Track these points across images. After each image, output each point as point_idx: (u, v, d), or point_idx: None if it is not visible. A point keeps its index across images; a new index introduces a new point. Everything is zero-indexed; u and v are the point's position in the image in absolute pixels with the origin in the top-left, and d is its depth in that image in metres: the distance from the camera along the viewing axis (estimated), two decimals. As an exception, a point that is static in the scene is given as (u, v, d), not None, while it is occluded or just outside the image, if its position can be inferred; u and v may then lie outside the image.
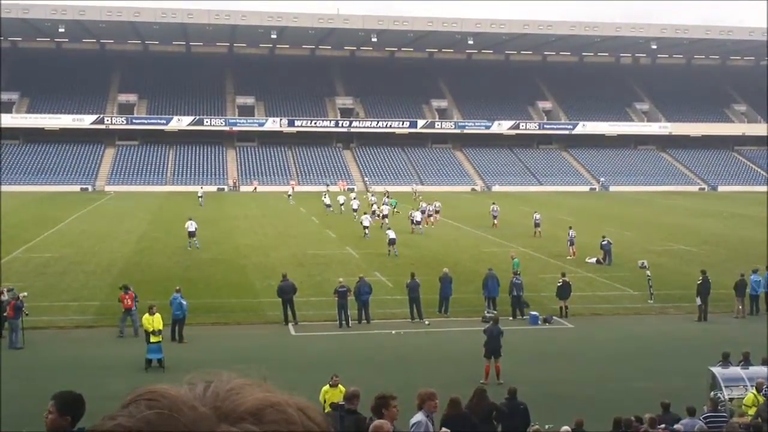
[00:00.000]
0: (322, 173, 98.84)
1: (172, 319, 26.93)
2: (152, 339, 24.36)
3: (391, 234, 45.47)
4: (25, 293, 28.26)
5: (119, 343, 26.98)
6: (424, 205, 62.17)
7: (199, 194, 76.20)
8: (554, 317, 31.44)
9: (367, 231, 51.58)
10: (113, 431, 1.13)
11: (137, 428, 1.10)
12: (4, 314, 27.15)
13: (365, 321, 30.35)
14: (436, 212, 62.09)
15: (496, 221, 58.01)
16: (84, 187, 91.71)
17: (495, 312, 29.71)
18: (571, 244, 45.08)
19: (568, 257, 44.34)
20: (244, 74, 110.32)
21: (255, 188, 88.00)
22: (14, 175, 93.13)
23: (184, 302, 27.71)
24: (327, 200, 68.63)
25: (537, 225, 53.18)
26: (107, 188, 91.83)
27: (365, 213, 55.78)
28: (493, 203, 61.13)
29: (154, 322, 24.56)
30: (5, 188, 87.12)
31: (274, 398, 1.15)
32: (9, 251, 44.42)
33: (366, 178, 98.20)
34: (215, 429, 1.10)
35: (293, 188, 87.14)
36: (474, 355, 23.99)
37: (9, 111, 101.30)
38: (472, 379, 21.87)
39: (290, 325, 29.82)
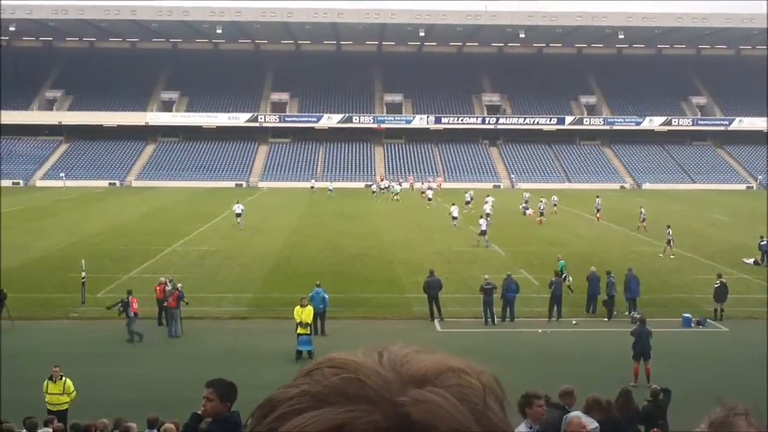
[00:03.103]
0: (469, 170, 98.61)
1: (314, 312, 27.30)
2: (300, 330, 24.90)
3: (483, 225, 46.56)
4: (180, 284, 29.38)
5: (271, 335, 27.63)
6: (526, 195, 63.97)
7: (330, 188, 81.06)
8: (708, 320, 30.23)
9: (456, 222, 53.27)
10: (298, 397, 1.11)
11: (325, 393, 1.10)
12: (165, 304, 28.34)
13: (509, 319, 30.06)
14: (554, 206, 62.79)
15: (598, 215, 58.47)
16: (238, 182, 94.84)
17: (642, 312, 28.83)
18: (669, 243, 43.44)
19: (660, 255, 43.03)
20: (392, 72, 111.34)
21: (411, 184, 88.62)
22: (174, 171, 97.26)
23: (327, 296, 28.18)
24: (430, 194, 72.83)
25: (643, 220, 52.55)
26: (260, 184, 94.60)
27: (454, 204, 56.54)
28: (597, 197, 62.11)
29: (303, 314, 25.09)
30: (166, 184, 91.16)
31: (452, 362, 1.15)
32: (169, 243, 46.48)
33: (512, 175, 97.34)
34: (404, 392, 1.09)
35: (440, 185, 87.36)
36: (623, 356, 23.36)
37: (170, 110, 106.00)
38: (620, 381, 21.29)
39: (436, 321, 29.87)
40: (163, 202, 71.71)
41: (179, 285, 29.16)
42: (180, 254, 43.81)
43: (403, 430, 1.07)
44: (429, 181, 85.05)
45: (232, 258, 42.45)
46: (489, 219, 52.45)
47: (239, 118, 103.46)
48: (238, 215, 55.12)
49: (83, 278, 31.40)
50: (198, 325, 29.21)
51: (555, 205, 63.66)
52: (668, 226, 44.24)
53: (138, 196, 78.16)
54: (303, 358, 24.63)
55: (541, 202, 60.38)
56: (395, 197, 75.23)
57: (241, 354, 25.30)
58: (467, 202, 64.59)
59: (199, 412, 7.19)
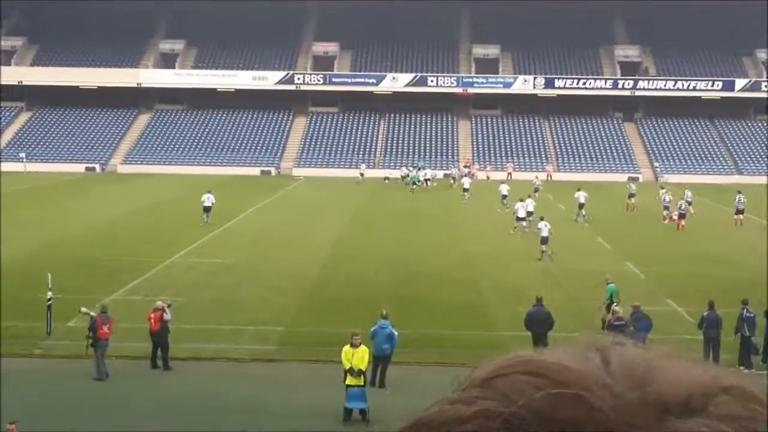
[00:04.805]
0: (593, 155, 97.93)
1: (375, 355, 27.19)
2: (350, 381, 24.88)
3: (544, 230, 47.97)
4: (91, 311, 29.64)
5: (308, 384, 27.71)
6: (668, 197, 63.43)
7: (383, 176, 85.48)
8: None
9: (525, 224, 54.78)
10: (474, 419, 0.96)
11: (525, 417, 0.93)
12: (97, 334, 28.47)
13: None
14: (688, 204, 62.61)
15: (741, 217, 60.02)
16: (265, 169, 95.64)
17: None
18: None
19: None
20: (484, 16, 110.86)
21: (509, 174, 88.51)
22: (176, 152, 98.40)
23: (395, 332, 28.05)
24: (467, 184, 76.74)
25: None
26: (295, 171, 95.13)
27: (521, 200, 57.81)
28: (738, 192, 62.78)
29: (355, 357, 25.03)
30: (165, 169, 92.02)
31: (725, 378, 0.99)
32: (168, 254, 47.01)
33: (656, 163, 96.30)
34: (660, 424, 0.93)
35: (549, 176, 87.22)
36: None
37: (171, 66, 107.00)
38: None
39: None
40: (160, 196, 72.53)
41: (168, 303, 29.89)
42: (182, 268, 44.34)
43: None
44: (480, 167, 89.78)
45: (256, 275, 42.80)
46: (531, 218, 54.43)
47: (268, 79, 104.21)
48: (207, 210, 57.84)
49: (49, 300, 31.85)
50: (207, 367, 29.55)
51: (689, 203, 63.47)
52: None
53: (126, 186, 79.14)
54: (354, 419, 24.69)
55: (665, 195, 62.04)
56: (413, 188, 79.43)
57: (265, 410, 25.49)
58: (504, 197, 67.00)
59: None
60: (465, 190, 74.34)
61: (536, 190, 73.20)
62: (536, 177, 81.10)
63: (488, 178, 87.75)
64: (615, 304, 33.14)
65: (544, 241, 47.86)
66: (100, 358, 28.10)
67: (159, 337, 29.24)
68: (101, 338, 28.09)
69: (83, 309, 29.74)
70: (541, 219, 49.92)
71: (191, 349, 30.36)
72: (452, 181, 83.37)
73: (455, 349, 31.68)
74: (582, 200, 62.37)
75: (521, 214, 55.70)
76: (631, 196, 69.06)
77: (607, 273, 36.89)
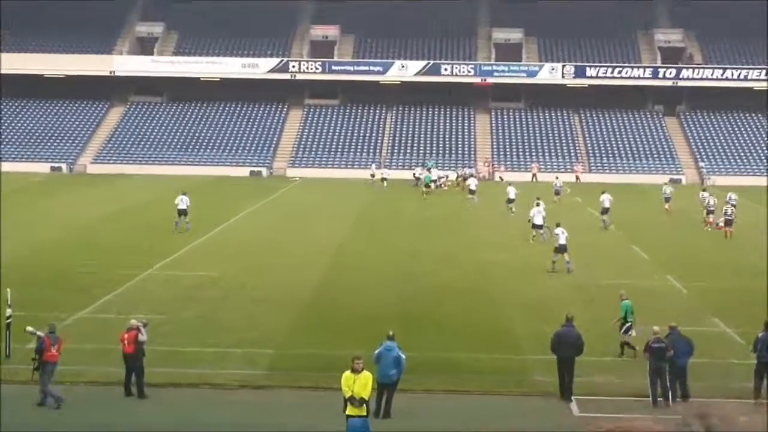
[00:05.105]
0: (628, 153, 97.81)
1: (379, 381, 26.98)
2: (351, 411, 24.73)
3: (561, 237, 47.71)
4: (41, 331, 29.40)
5: (303, 413, 27.61)
6: (711, 200, 63.72)
7: (380, 176, 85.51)
8: None
9: (542, 233, 54.90)
10: None
11: None
12: (44, 356, 28.27)
13: (680, 398, 29.43)
14: (733, 206, 62.24)
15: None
16: (255, 169, 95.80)
17: None
18: None
19: None
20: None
21: (535, 175, 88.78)
22: (155, 149, 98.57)
23: (403, 355, 27.88)
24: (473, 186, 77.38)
25: None
26: (290, 172, 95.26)
27: (537, 205, 57.47)
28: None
29: (356, 384, 24.90)
30: (140, 170, 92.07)
31: None
32: (144, 265, 47.04)
33: (701, 163, 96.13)
34: None
35: (578, 177, 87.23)
36: None
37: (149, 52, 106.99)
38: None
39: (573, 400, 29.40)
40: (135, 199, 72.74)
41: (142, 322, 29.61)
42: (161, 282, 44.29)
43: None
44: (493, 167, 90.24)
45: (245, 290, 42.79)
46: (545, 222, 55.08)
47: (259, 66, 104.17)
48: (182, 213, 58.41)
49: (8, 319, 31.78)
50: (188, 395, 29.36)
51: (734, 206, 62.96)
52: None
53: (97, 189, 79.25)
54: (355, 454, 24.58)
55: (708, 198, 62.50)
56: (425, 191, 79.96)
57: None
58: (510, 200, 67.68)
59: None
60: (471, 191, 74.72)
61: (557, 192, 73.59)
62: (556, 177, 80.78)
63: (501, 179, 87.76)
64: (628, 323, 33.03)
65: (562, 249, 47.71)
66: (46, 383, 27.93)
67: (133, 360, 28.97)
68: (48, 361, 27.84)
69: (29, 328, 29.40)
70: (558, 225, 49.76)
71: (170, 373, 30.22)
72: (463, 181, 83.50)
73: (470, 374, 31.54)
74: (607, 204, 62.34)
75: (538, 221, 55.71)
76: (666, 200, 69.29)
77: (622, 289, 36.48)
